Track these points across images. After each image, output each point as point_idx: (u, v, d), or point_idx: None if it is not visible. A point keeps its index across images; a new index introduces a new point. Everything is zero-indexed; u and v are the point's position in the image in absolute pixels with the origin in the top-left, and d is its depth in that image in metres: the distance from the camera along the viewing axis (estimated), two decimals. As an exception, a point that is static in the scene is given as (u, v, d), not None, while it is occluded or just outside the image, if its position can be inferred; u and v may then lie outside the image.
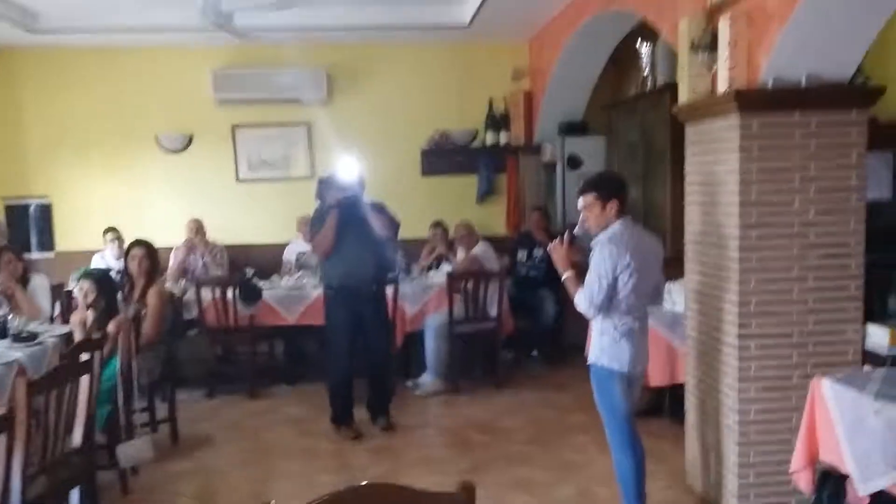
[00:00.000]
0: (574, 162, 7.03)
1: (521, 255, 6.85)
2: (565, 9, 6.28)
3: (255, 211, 7.68)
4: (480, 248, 6.29)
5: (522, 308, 6.58)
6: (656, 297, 3.55)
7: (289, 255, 7.14)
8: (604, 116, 7.21)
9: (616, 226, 3.33)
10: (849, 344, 3.49)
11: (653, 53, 6.26)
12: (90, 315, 4.31)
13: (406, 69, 7.69)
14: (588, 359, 3.52)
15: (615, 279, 3.24)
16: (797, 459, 3.30)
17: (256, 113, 7.59)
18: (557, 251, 3.45)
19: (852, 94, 3.40)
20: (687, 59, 3.75)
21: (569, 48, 6.39)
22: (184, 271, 6.74)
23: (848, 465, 3.05)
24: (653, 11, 4.59)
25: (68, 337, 4.65)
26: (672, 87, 5.66)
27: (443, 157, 7.71)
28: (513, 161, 7.72)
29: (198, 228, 6.89)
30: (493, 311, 5.97)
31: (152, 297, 4.84)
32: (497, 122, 7.71)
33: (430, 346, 6.01)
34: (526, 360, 6.73)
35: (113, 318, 4.30)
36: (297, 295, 6.19)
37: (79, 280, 4.48)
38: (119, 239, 6.75)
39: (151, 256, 4.99)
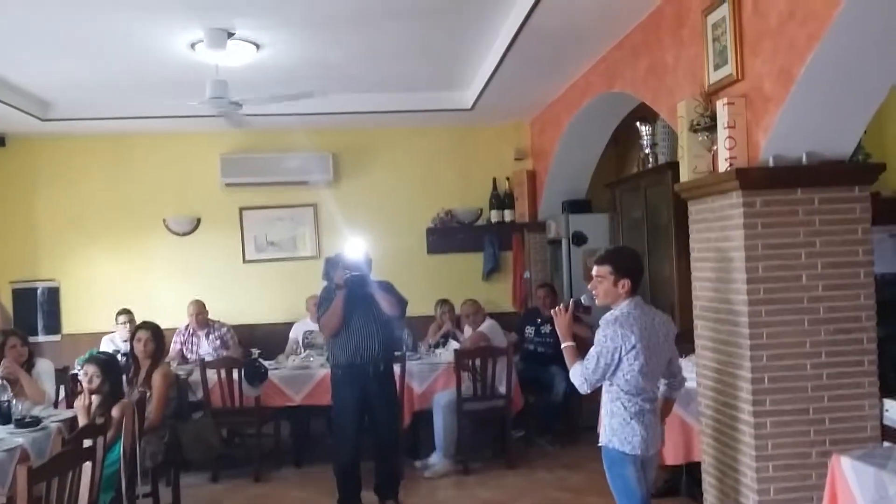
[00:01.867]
0: (579, 239, 7.07)
1: (529, 331, 6.82)
2: (566, 91, 6.45)
3: (262, 292, 7.72)
4: (487, 325, 6.28)
5: (532, 385, 6.52)
6: (673, 376, 3.47)
7: (295, 335, 7.13)
8: (606, 194, 7.30)
9: (624, 305, 3.31)
10: (866, 419, 3.45)
11: (653, 133, 6.39)
12: (94, 400, 4.28)
13: (411, 151, 7.85)
14: (599, 440, 3.46)
15: (619, 360, 3.20)
16: (819, 541, 3.22)
17: (263, 195, 7.71)
18: (560, 318, 3.43)
19: (853, 171, 3.46)
20: (686, 139, 3.83)
21: (571, 128, 6.52)
22: (182, 355, 6.73)
23: (871, 548, 2.97)
24: (650, 94, 4.71)
25: (72, 421, 4.61)
26: (673, 166, 5.77)
27: (448, 235, 7.79)
28: (518, 238, 7.79)
29: (198, 311, 6.88)
30: (503, 389, 5.92)
31: (157, 379, 4.83)
32: (501, 200, 7.82)
33: (439, 424, 5.92)
34: (537, 438, 6.60)
35: (117, 402, 4.27)
36: (303, 374, 6.15)
37: (83, 364, 4.47)
38: (132, 322, 6.76)
39: (157, 339, 4.99)
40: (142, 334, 4.92)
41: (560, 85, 6.45)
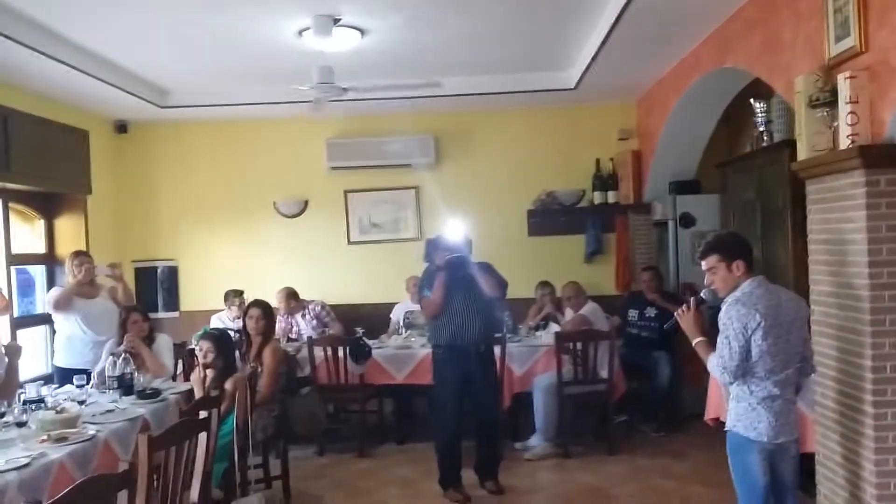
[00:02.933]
0: (687, 220, 6.87)
1: (633, 314, 6.69)
2: (674, 68, 6.24)
3: (366, 272, 7.86)
4: (589, 308, 6.20)
5: (635, 370, 6.40)
6: (805, 360, 3.29)
7: (396, 315, 7.25)
8: (716, 174, 7.04)
9: (745, 285, 3.18)
10: None
11: (767, 110, 6.10)
12: (209, 373, 4.48)
13: (512, 132, 7.80)
14: (725, 424, 3.34)
15: (747, 341, 3.08)
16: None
17: (367, 178, 7.84)
18: (685, 318, 3.33)
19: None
20: (805, 115, 3.64)
21: (679, 107, 6.32)
22: (286, 335, 6.94)
23: None
24: (765, 69, 4.50)
25: (189, 394, 4.86)
26: (790, 144, 5.47)
27: (549, 217, 7.71)
28: (621, 220, 7.63)
29: (284, 300, 7.06)
30: (604, 373, 5.84)
31: (268, 355, 5.01)
32: (604, 181, 7.66)
33: (539, 407, 5.91)
34: (640, 424, 6.48)
35: (230, 376, 4.46)
36: (405, 354, 6.27)
37: (198, 340, 4.68)
38: (242, 302, 7.03)
39: (268, 316, 5.18)
40: (254, 312, 5.11)
41: (668, 62, 6.25)
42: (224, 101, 7.05)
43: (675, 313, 3.41)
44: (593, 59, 6.01)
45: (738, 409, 3.19)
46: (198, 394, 4.45)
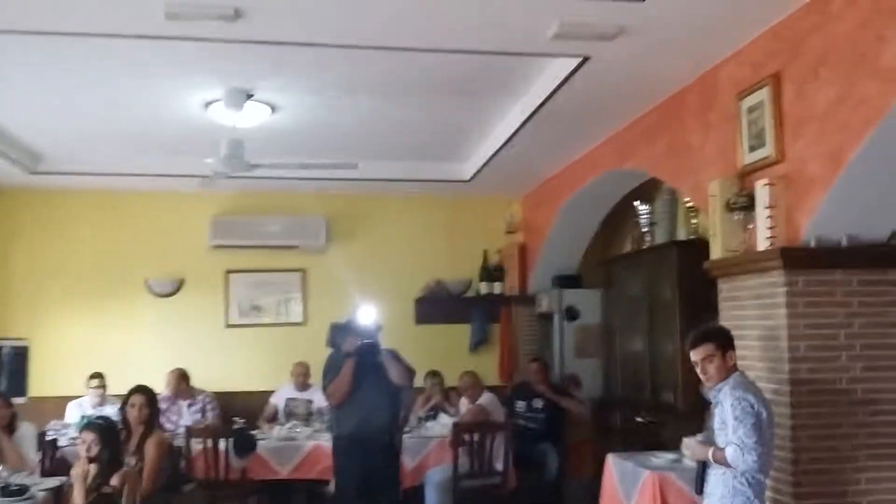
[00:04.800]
0: (572, 314, 7.07)
1: (521, 406, 6.69)
2: (569, 167, 6.51)
3: (244, 358, 7.46)
4: (486, 399, 6.14)
5: (522, 462, 6.35)
6: None
7: (276, 401, 6.88)
8: (597, 270, 7.35)
9: (738, 375, 3.24)
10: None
11: (651, 212, 6.50)
12: (92, 468, 4.00)
13: (404, 219, 7.81)
14: None
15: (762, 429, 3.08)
16: None
17: (251, 258, 7.55)
18: (691, 446, 3.33)
19: (891, 253, 3.52)
20: (720, 217, 3.87)
21: (571, 204, 6.58)
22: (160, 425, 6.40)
23: None
24: (669, 173, 4.80)
25: (58, 491, 4.33)
26: (678, 244, 5.86)
27: (437, 305, 7.70)
28: (506, 311, 7.75)
29: (177, 381, 6.59)
30: (500, 465, 5.76)
31: (151, 447, 4.55)
32: (491, 273, 7.79)
33: (431, 501, 5.71)
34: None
35: (117, 471, 4.02)
36: (290, 446, 5.92)
37: (81, 431, 4.20)
38: (103, 386, 6.42)
39: (152, 404, 4.75)
40: (136, 399, 4.67)
41: (563, 161, 6.52)
42: (103, 169, 6.62)
43: (682, 446, 3.41)
44: (494, 154, 6.18)
45: (738, 501, 3.13)
46: (78, 491, 3.95)
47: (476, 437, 5.71)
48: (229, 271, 7.55)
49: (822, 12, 3.34)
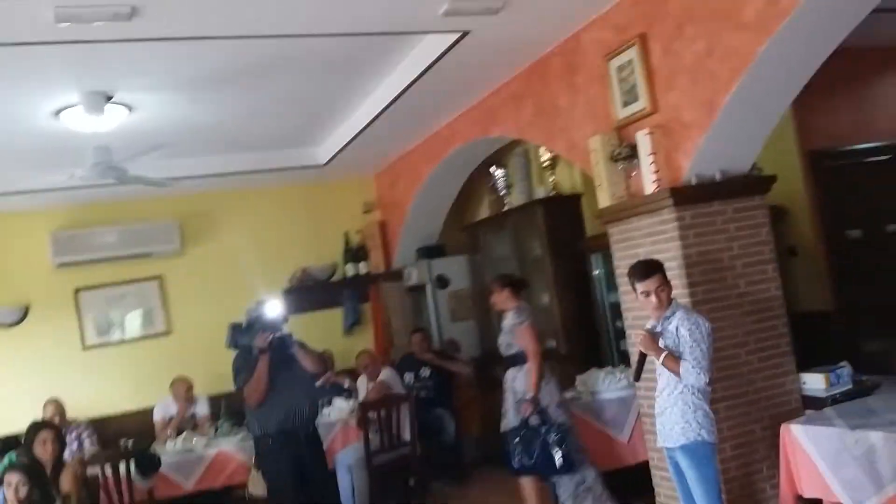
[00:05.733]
0: (442, 281, 7.35)
1: (409, 377, 6.88)
2: (426, 141, 6.71)
3: (109, 378, 7.05)
4: (386, 374, 6.27)
5: (420, 430, 6.57)
6: None
7: (161, 417, 6.58)
8: (458, 237, 7.68)
9: (675, 302, 3.55)
10: (790, 394, 4.02)
11: (506, 175, 6.91)
12: (23, 511, 3.73)
13: (259, 212, 7.69)
14: (665, 442, 3.56)
15: (709, 346, 3.42)
16: (783, 502, 3.68)
17: (102, 272, 7.12)
18: (647, 341, 3.50)
19: (754, 183, 4.08)
20: (604, 169, 4.26)
21: (433, 177, 6.81)
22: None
23: (837, 494, 3.47)
24: (541, 135, 5.15)
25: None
26: (542, 202, 6.29)
27: (305, 294, 7.67)
28: (375, 289, 7.89)
29: (56, 412, 6.14)
30: (407, 436, 5.94)
31: (66, 482, 4.30)
32: (355, 253, 7.88)
33: (346, 484, 5.79)
34: (433, 482, 6.65)
35: (48, 508, 3.78)
36: (191, 458, 5.75)
37: (3, 473, 3.88)
38: None
39: (61, 439, 4.47)
40: (46, 435, 4.37)
41: (420, 135, 6.70)
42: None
43: (638, 340, 3.57)
44: (355, 137, 6.26)
45: (698, 417, 3.44)
46: (12, 537, 3.67)
47: (383, 412, 5.85)
48: (79, 289, 7.07)
49: (680, -24, 3.79)
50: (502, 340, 4.99)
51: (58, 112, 4.86)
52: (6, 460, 4.46)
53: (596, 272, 6.00)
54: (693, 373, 3.38)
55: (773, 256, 4.10)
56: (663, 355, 3.45)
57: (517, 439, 4.73)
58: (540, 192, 6.51)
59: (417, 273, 7.48)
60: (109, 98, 4.76)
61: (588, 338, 6.05)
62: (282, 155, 7.00)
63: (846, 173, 5.83)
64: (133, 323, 7.25)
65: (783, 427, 3.71)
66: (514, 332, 4.88)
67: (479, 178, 7.34)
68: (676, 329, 3.45)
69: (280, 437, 4.68)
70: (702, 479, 3.44)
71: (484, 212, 7.55)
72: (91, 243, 6.94)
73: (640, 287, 3.53)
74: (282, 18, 3.83)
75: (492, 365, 7.04)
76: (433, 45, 4.67)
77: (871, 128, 6.12)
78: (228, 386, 6.57)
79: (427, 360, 6.82)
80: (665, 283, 3.52)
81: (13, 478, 3.76)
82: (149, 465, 5.38)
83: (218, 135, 6.08)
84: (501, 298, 5.01)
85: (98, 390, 6.97)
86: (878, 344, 4.97)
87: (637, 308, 4.21)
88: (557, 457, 4.60)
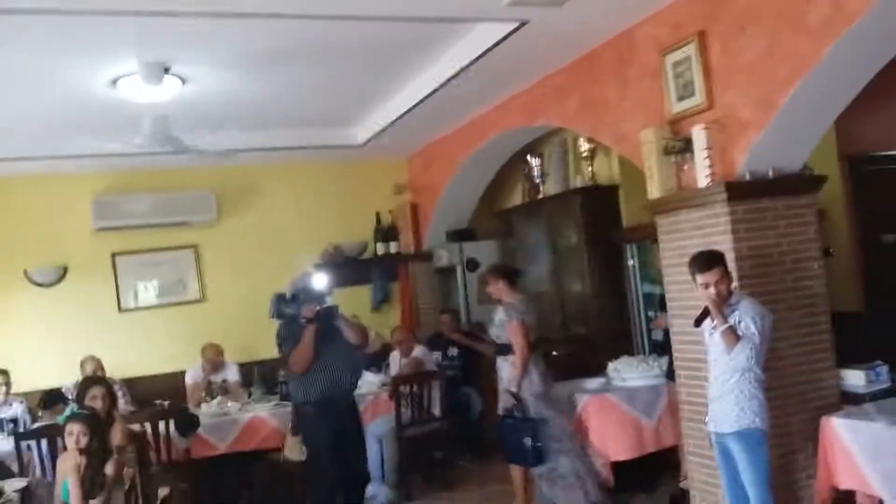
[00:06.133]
0: (473, 264, 7.48)
1: (437, 356, 7.03)
2: (464, 127, 6.77)
3: (143, 341, 7.18)
4: (420, 351, 6.43)
5: (448, 407, 6.72)
6: None
7: (193, 381, 6.73)
8: (489, 222, 7.80)
9: (737, 293, 3.69)
10: (830, 388, 4.14)
11: (542, 164, 7.02)
12: (83, 460, 3.87)
13: (294, 187, 7.79)
14: (718, 427, 3.68)
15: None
16: (818, 492, 3.81)
17: (139, 239, 7.24)
18: (717, 302, 3.57)
19: (805, 182, 4.19)
20: (656, 161, 4.37)
21: (469, 162, 6.91)
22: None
23: (874, 487, 3.60)
24: (588, 126, 5.25)
25: (24, 491, 4.15)
26: (580, 191, 6.39)
27: (336, 270, 7.71)
28: (404, 269, 8.01)
29: (96, 368, 6.30)
30: (437, 411, 6.08)
31: (117, 435, 4.42)
32: (386, 233, 8.00)
33: (375, 455, 5.95)
34: (457, 458, 6.80)
35: (108, 459, 3.92)
36: (227, 421, 5.92)
37: (65, 423, 4.03)
38: (7, 384, 5.99)
39: (112, 394, 4.61)
40: (97, 391, 4.49)
41: (458, 121, 6.78)
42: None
43: (710, 302, 3.59)
44: (397, 119, 6.34)
45: (753, 405, 3.57)
46: (74, 483, 3.81)
47: (415, 387, 5.99)
48: (116, 254, 7.20)
49: (743, -23, 3.88)
50: (493, 332, 5.30)
51: (115, 81, 4.96)
52: (68, 410, 4.59)
53: (630, 263, 6.12)
54: (745, 354, 3.51)
55: (820, 254, 4.22)
56: (726, 325, 3.54)
57: (499, 428, 5.16)
58: (577, 182, 6.62)
59: (448, 255, 7.61)
60: (167, 69, 4.86)
61: (619, 326, 6.17)
62: (320, 133, 7.09)
63: (883, 178, 5.94)
64: (167, 289, 7.37)
65: (823, 420, 3.84)
66: (503, 327, 5.13)
67: (512, 166, 7.44)
68: (739, 320, 3.57)
69: (322, 404, 4.84)
70: (752, 465, 3.57)
71: (516, 198, 7.66)
72: (130, 210, 7.05)
73: (700, 279, 3.62)
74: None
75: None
76: (488, 34, 4.72)
77: (908, 135, 6.21)
78: (259, 354, 6.89)
79: (455, 340, 6.95)
80: (725, 276, 3.62)
81: (75, 427, 3.90)
82: (189, 424, 5.56)
83: (262, 111, 6.16)
84: (497, 289, 5.25)
85: (131, 352, 7.10)
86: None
87: (683, 299, 4.35)
88: (527, 447, 4.89)
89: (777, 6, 3.71)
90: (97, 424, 4.00)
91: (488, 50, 4.85)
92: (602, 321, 6.19)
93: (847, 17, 3.38)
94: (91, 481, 3.81)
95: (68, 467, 3.84)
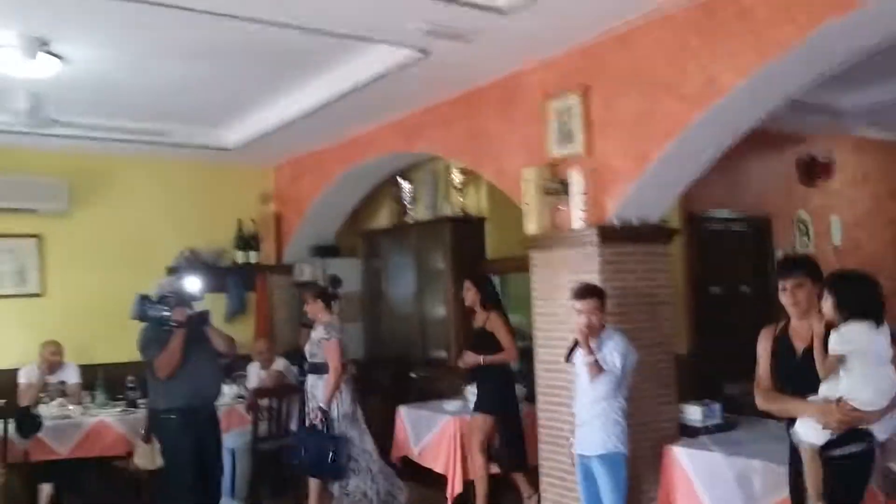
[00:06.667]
0: (336, 282, 7.50)
1: (295, 370, 6.98)
2: (346, 143, 6.82)
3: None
4: (282, 364, 6.37)
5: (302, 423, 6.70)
6: None
7: (24, 380, 6.29)
8: (352, 240, 7.90)
9: (613, 328, 4.02)
10: (671, 421, 4.56)
11: (414, 190, 7.23)
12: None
13: (154, 185, 7.48)
14: (584, 450, 4.00)
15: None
16: (660, 513, 4.20)
17: (-25, 223, 6.71)
18: (586, 335, 3.89)
19: (664, 232, 4.64)
20: (535, 199, 4.67)
21: (344, 179, 6.98)
22: None
23: (708, 509, 4.03)
24: (470, 157, 5.52)
25: None
26: (451, 220, 6.64)
27: (190, 275, 7.52)
28: (262, 280, 7.90)
29: None
30: (293, 426, 6.05)
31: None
32: (247, 241, 7.86)
33: (227, 466, 5.81)
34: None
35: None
36: (69, 424, 5.64)
37: None
38: None
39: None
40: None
41: (335, 137, 6.80)
42: None
43: (576, 331, 3.95)
44: (275, 129, 6.32)
45: (617, 430, 3.92)
46: None
47: (274, 401, 5.94)
48: (-56, 236, 6.63)
49: (625, 44, 4.29)
50: (309, 349, 5.59)
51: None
52: None
53: (493, 293, 6.42)
54: (606, 386, 3.88)
55: (669, 299, 4.67)
56: (591, 358, 3.87)
57: (301, 441, 5.43)
58: (446, 210, 6.85)
59: (311, 270, 7.60)
60: (44, 44, 4.62)
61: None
62: (190, 131, 6.89)
63: (713, 235, 6.63)
64: (3, 279, 6.85)
65: (666, 448, 4.25)
66: (321, 345, 5.46)
67: (380, 187, 7.57)
68: (606, 352, 3.91)
69: (184, 413, 4.72)
70: (613, 485, 3.91)
71: (382, 219, 7.79)
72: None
73: (577, 305, 3.96)
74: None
75: (375, 368, 7.30)
76: (387, 56, 4.85)
77: (738, 199, 6.95)
78: (99, 356, 6.57)
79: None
80: (599, 309, 3.96)
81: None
82: (31, 426, 5.22)
83: (136, 100, 5.93)
84: (314, 309, 5.64)
85: (-46, 345, 6.55)
86: (734, 388, 5.68)
87: (549, 329, 4.68)
88: (328, 461, 5.27)
89: (657, 74, 4.13)
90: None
91: (383, 74, 4.98)
92: (461, 346, 6.42)
93: (718, 91, 3.83)
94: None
95: None
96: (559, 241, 4.61)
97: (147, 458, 5.17)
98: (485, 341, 5.41)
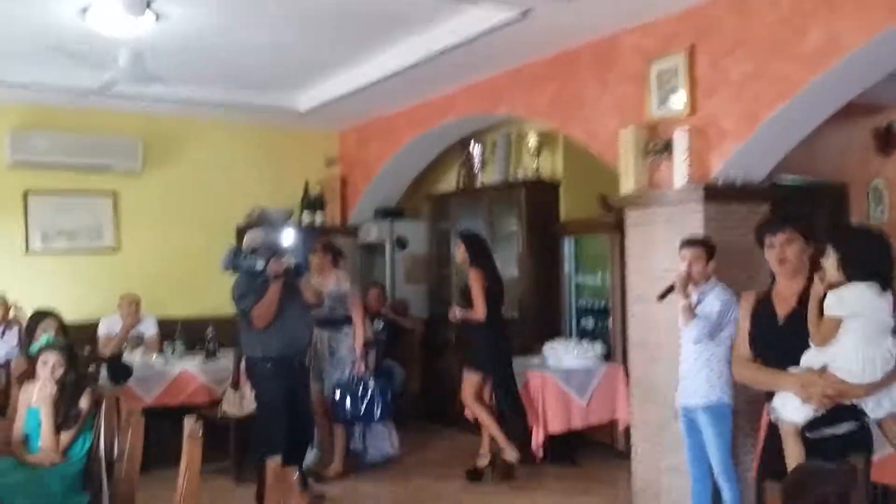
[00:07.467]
0: (402, 243, 7.58)
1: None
2: (419, 106, 6.84)
3: (49, 286, 6.72)
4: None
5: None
6: None
7: (104, 332, 6.40)
8: (417, 202, 7.94)
9: (716, 279, 4.02)
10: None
11: (483, 153, 7.25)
12: (57, 391, 3.67)
13: (225, 145, 7.59)
14: (687, 401, 4.02)
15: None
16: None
17: (56, 179, 6.83)
18: (684, 281, 3.92)
19: (763, 191, 4.64)
20: (633, 159, 4.71)
21: (415, 142, 7.01)
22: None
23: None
24: (558, 119, 5.52)
25: None
26: (526, 184, 6.66)
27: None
28: (327, 240, 7.95)
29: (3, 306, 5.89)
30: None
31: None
32: (313, 203, 7.93)
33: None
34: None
35: (83, 392, 3.74)
36: (155, 373, 5.78)
37: (40, 352, 3.79)
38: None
39: (65, 328, 4.39)
40: (50, 322, 4.26)
41: (408, 101, 6.83)
42: None
43: (675, 277, 3.97)
44: (353, 92, 6.33)
45: (721, 381, 3.92)
46: (47, 414, 3.60)
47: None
48: (28, 192, 6.73)
49: (736, 3, 4.28)
50: (329, 304, 5.53)
51: (84, 10, 4.69)
52: (43, 339, 4.28)
53: (566, 253, 6.48)
54: (696, 331, 3.88)
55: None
56: (685, 301, 3.90)
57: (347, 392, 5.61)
58: (519, 174, 6.85)
59: (377, 231, 7.67)
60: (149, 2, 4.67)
61: (548, 311, 6.50)
62: (265, 94, 6.96)
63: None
64: (80, 235, 6.96)
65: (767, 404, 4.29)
66: (343, 300, 5.65)
67: (448, 151, 7.59)
68: (711, 301, 3.95)
69: (280, 361, 4.81)
70: (719, 437, 3.95)
71: (449, 183, 7.81)
72: (49, 147, 6.63)
73: (682, 252, 4.03)
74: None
75: (440, 327, 7.37)
76: (483, 17, 4.83)
77: (815, 166, 6.81)
78: (169, 309, 6.68)
79: (383, 314, 7.04)
80: (703, 260, 3.99)
81: (51, 357, 3.69)
82: (122, 372, 5.34)
83: (219, 63, 5.98)
84: (323, 262, 5.78)
85: (36, 296, 6.59)
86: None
87: (642, 286, 4.73)
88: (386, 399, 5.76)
89: (770, 35, 4.12)
90: (74, 357, 3.80)
91: (481, 34, 4.97)
92: (533, 305, 6.50)
93: (841, 48, 3.81)
94: (65, 414, 3.62)
95: (41, 397, 3.62)
96: (657, 199, 4.64)
97: (235, 405, 5.29)
98: (467, 298, 5.57)
